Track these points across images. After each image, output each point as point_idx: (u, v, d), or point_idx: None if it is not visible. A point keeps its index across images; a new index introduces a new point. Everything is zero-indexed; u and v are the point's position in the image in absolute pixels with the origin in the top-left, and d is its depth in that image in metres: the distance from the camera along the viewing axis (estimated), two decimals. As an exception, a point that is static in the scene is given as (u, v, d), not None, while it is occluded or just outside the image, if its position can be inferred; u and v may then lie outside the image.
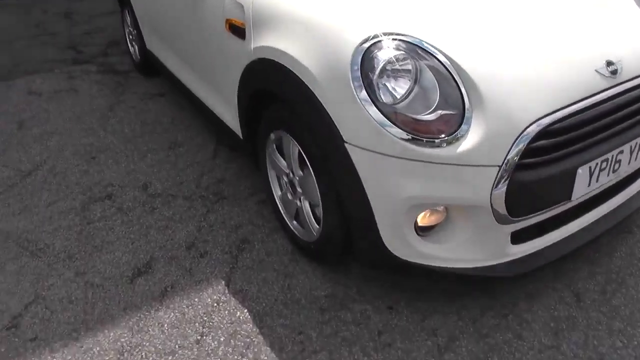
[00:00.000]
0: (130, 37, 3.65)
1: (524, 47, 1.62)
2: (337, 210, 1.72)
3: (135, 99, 3.40)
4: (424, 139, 1.48)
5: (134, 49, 3.64)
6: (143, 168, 2.69)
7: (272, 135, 1.97)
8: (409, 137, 1.48)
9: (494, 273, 1.66)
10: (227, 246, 2.15)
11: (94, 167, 2.70)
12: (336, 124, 1.55)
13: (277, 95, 1.81)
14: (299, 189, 1.93)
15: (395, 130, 1.48)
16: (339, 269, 2.00)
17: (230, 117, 2.33)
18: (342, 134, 1.55)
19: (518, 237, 1.69)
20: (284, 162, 1.99)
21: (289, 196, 2.02)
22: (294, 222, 2.08)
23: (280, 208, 2.14)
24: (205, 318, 1.83)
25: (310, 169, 1.76)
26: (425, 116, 1.49)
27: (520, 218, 1.60)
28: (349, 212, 1.66)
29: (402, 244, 1.62)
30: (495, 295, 1.88)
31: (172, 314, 1.85)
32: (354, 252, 1.78)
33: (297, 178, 1.91)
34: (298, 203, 1.97)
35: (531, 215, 1.62)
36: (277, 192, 2.15)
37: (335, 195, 1.69)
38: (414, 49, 1.54)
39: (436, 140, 1.48)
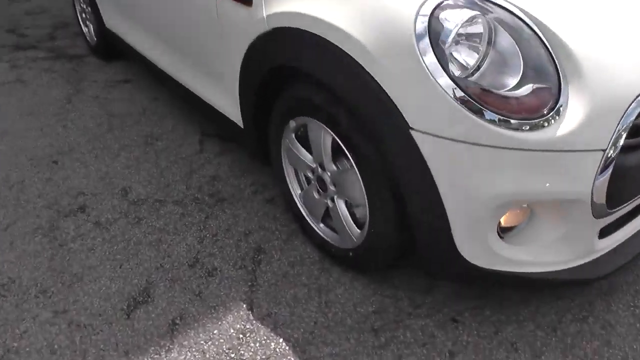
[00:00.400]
0: (84, 15, 3.14)
1: (616, 8, 1.32)
2: (392, 212, 1.39)
3: (96, 88, 2.91)
4: (516, 120, 1.16)
5: (88, 29, 3.14)
6: (118, 170, 2.26)
7: (293, 123, 1.61)
8: (497, 118, 1.16)
9: (587, 275, 1.38)
10: (240, 259, 1.79)
11: (58, 174, 2.25)
12: (399, 107, 1.21)
13: (305, 74, 1.44)
14: (331, 187, 1.58)
15: (479, 110, 1.16)
16: (380, 277, 1.68)
17: (225, 102, 1.94)
18: (406, 119, 1.21)
19: (604, 230, 1.42)
20: (308, 155, 1.63)
21: (315, 195, 1.67)
22: (321, 225, 1.74)
23: (301, 209, 1.79)
24: (232, 355, 1.47)
25: (353, 163, 1.42)
26: (515, 91, 1.17)
27: (616, 208, 1.33)
28: (413, 215, 1.33)
29: (482, 250, 1.31)
30: (566, 295, 1.61)
31: (189, 353, 1.48)
32: (418, 261, 1.46)
33: (329, 174, 1.56)
34: (329, 203, 1.63)
35: (626, 204, 1.35)
36: (295, 191, 1.80)
37: (391, 194, 1.36)
38: (487, 6, 1.21)
39: (531, 122, 1.16)
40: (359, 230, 1.56)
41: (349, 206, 1.59)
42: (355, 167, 1.42)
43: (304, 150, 1.64)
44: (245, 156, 2.29)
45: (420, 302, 1.60)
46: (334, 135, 1.44)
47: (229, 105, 1.91)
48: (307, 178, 1.75)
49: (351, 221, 1.57)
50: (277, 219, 1.95)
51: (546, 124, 1.17)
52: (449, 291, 1.63)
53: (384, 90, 1.22)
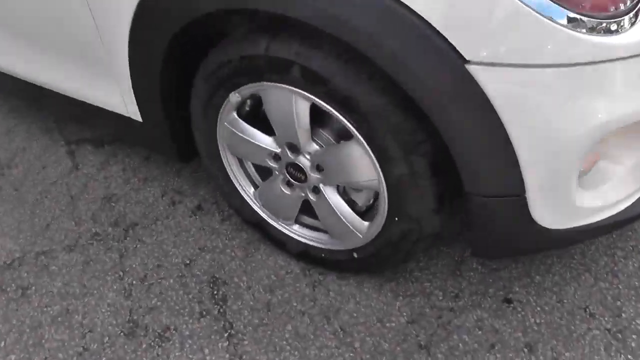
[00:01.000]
0: None
1: None
2: (431, 188, 0.98)
3: None
4: (604, 21, 0.80)
5: None
6: (-38, 223, 1.55)
7: (235, 97, 1.10)
8: (592, 24, 0.79)
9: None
10: (196, 303, 1.27)
11: None
12: (447, 36, 0.78)
13: (260, 15, 0.93)
14: (313, 174, 1.12)
15: (560, 14, 0.78)
16: (390, 273, 1.28)
17: (105, 90, 1.34)
18: (460, 50, 0.78)
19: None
20: (265, 137, 1.14)
21: (285, 190, 1.20)
22: (295, 227, 1.28)
23: (261, 213, 1.30)
24: None
25: (357, 133, 0.97)
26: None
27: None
28: (469, 184, 0.93)
29: (563, 208, 0.96)
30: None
31: None
32: (470, 242, 1.07)
33: (308, 156, 1.10)
34: (309, 196, 1.17)
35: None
36: (248, 190, 1.30)
37: (427, 163, 0.95)
38: None
39: (620, 19, 0.82)
40: (366, 223, 1.13)
41: (342, 194, 1.15)
42: (360, 138, 0.97)
43: (258, 133, 1.14)
44: (139, 158, 1.70)
45: (457, 291, 1.23)
46: (316, 100, 0.97)
47: (114, 93, 1.32)
48: (260, 170, 1.27)
49: (353, 213, 1.13)
50: (220, 232, 1.44)
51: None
52: (479, 265, 1.28)
53: (423, 18, 0.77)
